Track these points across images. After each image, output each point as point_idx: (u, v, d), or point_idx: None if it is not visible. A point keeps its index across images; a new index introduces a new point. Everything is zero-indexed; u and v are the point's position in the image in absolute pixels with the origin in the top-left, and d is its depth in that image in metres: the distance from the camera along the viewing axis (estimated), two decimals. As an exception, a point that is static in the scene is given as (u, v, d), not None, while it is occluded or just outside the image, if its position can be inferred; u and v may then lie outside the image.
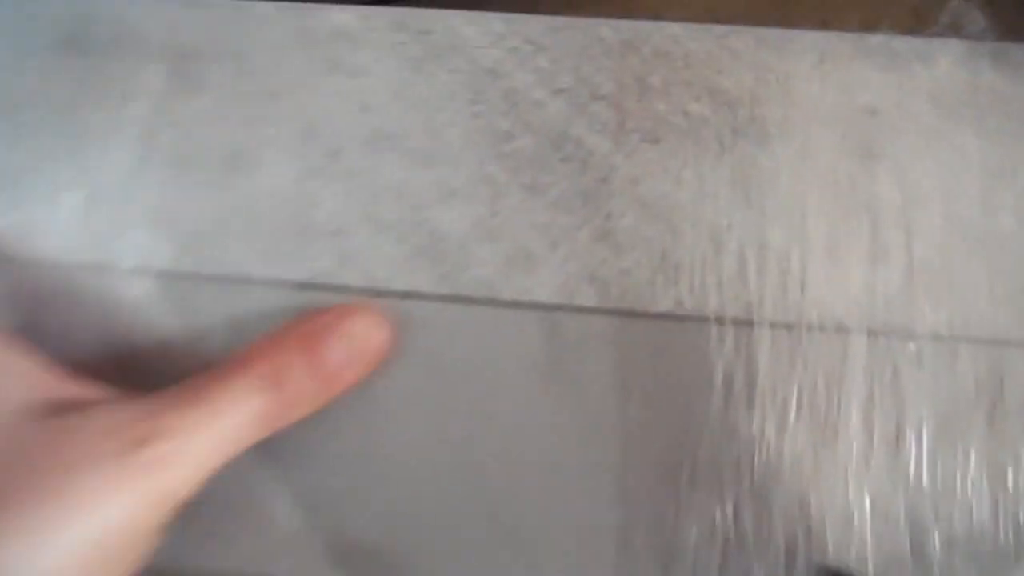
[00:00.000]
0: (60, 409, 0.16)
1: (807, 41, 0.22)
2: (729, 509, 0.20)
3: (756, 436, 0.20)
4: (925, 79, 0.22)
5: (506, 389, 0.21)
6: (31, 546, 0.14)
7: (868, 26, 0.27)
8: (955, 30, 0.23)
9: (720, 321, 0.21)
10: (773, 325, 0.21)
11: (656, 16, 0.33)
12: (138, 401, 0.17)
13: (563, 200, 0.22)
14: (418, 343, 0.21)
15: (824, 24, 0.30)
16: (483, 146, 0.22)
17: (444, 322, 0.22)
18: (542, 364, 0.21)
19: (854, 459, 0.20)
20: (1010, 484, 0.19)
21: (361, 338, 0.20)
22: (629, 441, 0.21)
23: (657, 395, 0.21)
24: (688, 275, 0.21)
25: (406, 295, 0.22)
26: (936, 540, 0.19)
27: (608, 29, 0.22)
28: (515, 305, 0.21)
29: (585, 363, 0.21)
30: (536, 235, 0.22)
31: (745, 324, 0.21)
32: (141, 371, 0.21)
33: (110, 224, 0.22)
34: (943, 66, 0.22)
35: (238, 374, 0.18)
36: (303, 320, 0.20)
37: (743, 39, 0.22)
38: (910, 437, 0.20)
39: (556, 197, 0.22)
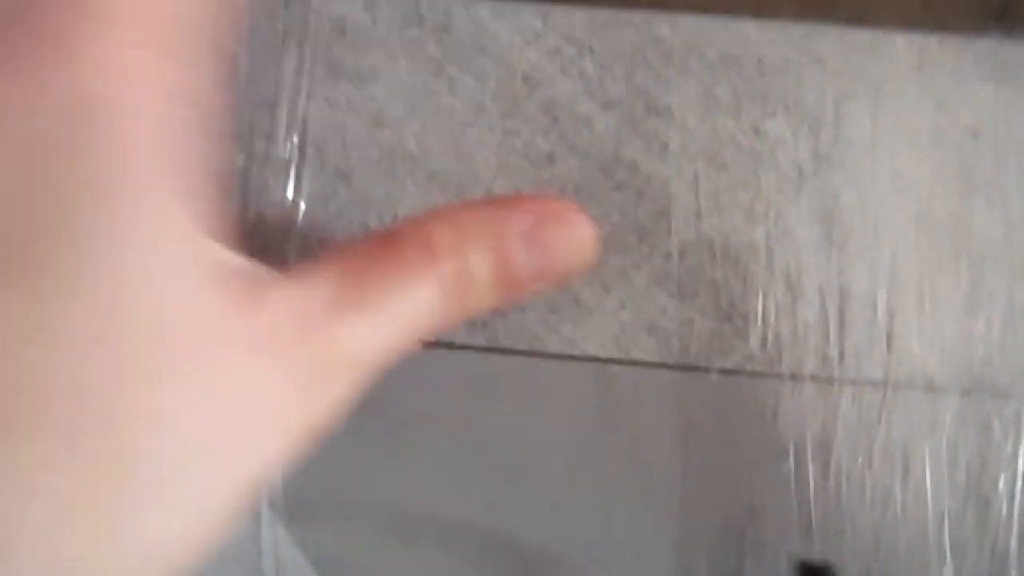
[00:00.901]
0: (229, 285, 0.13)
1: (902, 44, 0.19)
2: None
3: (831, 503, 0.18)
4: (1037, 93, 0.19)
5: (549, 449, 0.19)
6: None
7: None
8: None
9: (795, 378, 0.19)
10: (855, 383, 0.19)
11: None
12: (314, 287, 0.14)
13: (616, 236, 0.19)
14: (451, 397, 0.19)
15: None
16: (520, 170, 0.19)
17: (480, 375, 0.19)
18: (592, 421, 0.19)
19: (938, 526, 0.18)
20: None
21: (561, 251, 0.16)
22: (688, 508, 0.19)
23: (721, 458, 0.19)
24: (760, 326, 0.19)
25: (435, 345, 0.19)
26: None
27: (667, 27, 0.19)
28: (562, 357, 0.19)
29: (641, 422, 0.19)
30: (585, 278, 0.19)
31: (824, 382, 0.19)
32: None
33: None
34: (1058, 77, 0.19)
35: (421, 269, 0.14)
36: (496, 210, 0.15)
37: (828, 41, 0.19)
38: (1000, 501, 0.18)
39: (608, 233, 0.19)
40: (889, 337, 0.19)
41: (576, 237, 0.15)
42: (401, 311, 0.14)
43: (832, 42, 0.19)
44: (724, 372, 0.19)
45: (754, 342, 0.19)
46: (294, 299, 0.13)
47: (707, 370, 0.19)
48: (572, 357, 0.19)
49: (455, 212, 0.15)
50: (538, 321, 0.19)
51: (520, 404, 0.19)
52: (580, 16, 0.19)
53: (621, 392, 0.19)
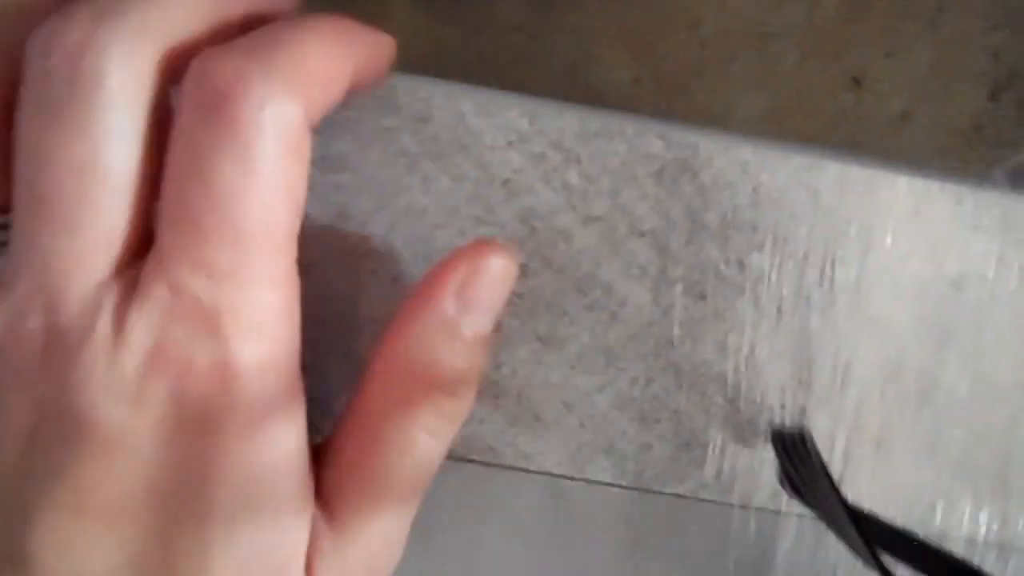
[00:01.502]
0: None
1: (903, 187, 0.18)
2: None
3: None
4: (1030, 251, 0.18)
5: (498, 558, 0.19)
6: None
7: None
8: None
9: (744, 507, 0.19)
10: (801, 516, 0.19)
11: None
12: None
13: (584, 357, 0.18)
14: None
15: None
16: (491, 281, 0.18)
17: (435, 482, 0.19)
18: (542, 533, 0.19)
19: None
20: None
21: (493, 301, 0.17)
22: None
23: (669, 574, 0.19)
24: (717, 456, 0.19)
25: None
26: None
27: (661, 143, 0.18)
28: (518, 472, 0.19)
29: (591, 535, 0.19)
30: (548, 395, 0.19)
31: (771, 513, 0.19)
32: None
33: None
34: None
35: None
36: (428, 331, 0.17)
37: (828, 177, 0.18)
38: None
39: (576, 352, 0.18)
40: (841, 478, 0.19)
41: (501, 284, 0.17)
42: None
43: (832, 177, 0.18)
44: (677, 496, 0.19)
45: (709, 471, 0.19)
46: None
47: (659, 493, 0.19)
48: (527, 471, 0.19)
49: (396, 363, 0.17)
50: (495, 433, 0.19)
51: (471, 512, 0.19)
52: (571, 121, 0.18)
53: (573, 503, 0.20)
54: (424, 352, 0.16)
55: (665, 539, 0.20)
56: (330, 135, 0.18)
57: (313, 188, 0.18)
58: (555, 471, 0.19)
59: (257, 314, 0.15)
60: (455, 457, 0.19)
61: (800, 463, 0.18)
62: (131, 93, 0.15)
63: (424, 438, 0.16)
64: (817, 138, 0.29)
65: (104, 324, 0.15)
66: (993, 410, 0.19)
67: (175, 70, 0.16)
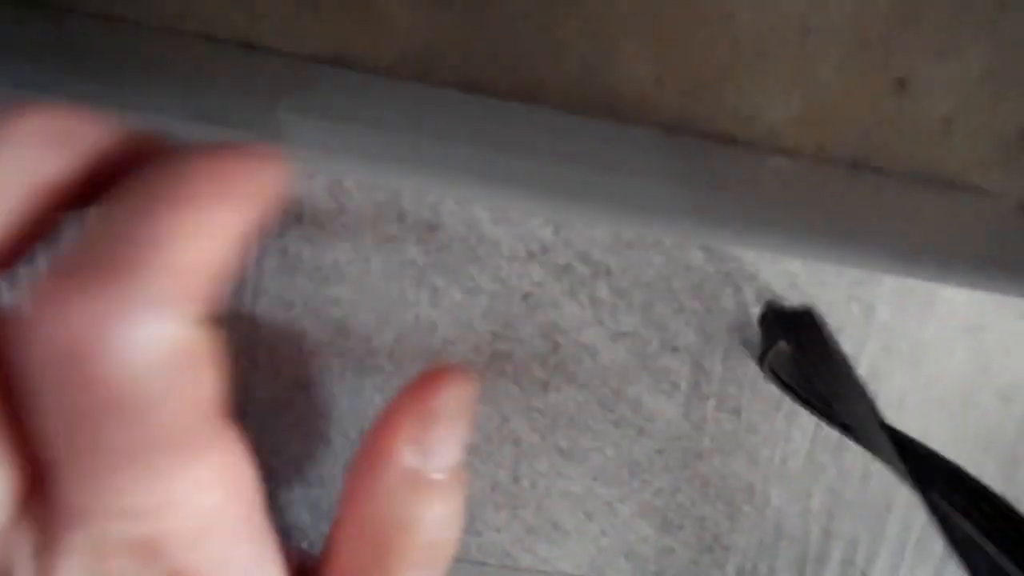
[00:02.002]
0: None
1: (963, 302, 0.16)
2: None
3: None
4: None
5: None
6: None
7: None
8: None
9: (762, 600, 0.19)
10: (819, 608, 0.19)
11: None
12: None
13: (607, 470, 0.17)
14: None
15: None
16: (507, 397, 0.17)
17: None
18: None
19: None
20: None
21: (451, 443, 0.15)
22: None
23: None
24: (739, 558, 0.18)
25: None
26: None
27: (702, 255, 0.16)
28: (535, 571, 0.18)
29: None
30: (567, 506, 0.18)
31: (789, 605, 0.19)
32: None
33: None
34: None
35: None
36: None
37: (883, 291, 0.16)
38: None
39: (598, 466, 0.17)
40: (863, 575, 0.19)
41: (461, 415, 0.15)
42: None
43: (887, 292, 0.16)
44: (695, 592, 0.19)
45: (730, 571, 0.19)
46: None
47: (678, 590, 0.19)
48: (545, 572, 0.19)
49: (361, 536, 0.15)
50: (512, 540, 0.18)
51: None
52: (601, 232, 0.16)
53: (589, 598, 0.19)
54: (393, 508, 0.14)
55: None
56: (324, 244, 0.16)
57: (307, 302, 0.16)
58: (574, 573, 0.19)
59: (197, 523, 0.13)
60: (470, 561, 0.19)
61: (806, 345, 0.16)
62: None
63: None
64: (849, 145, 0.26)
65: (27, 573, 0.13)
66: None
67: None
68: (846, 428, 0.16)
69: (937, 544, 0.19)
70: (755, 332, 0.17)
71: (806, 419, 0.18)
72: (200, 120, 0.16)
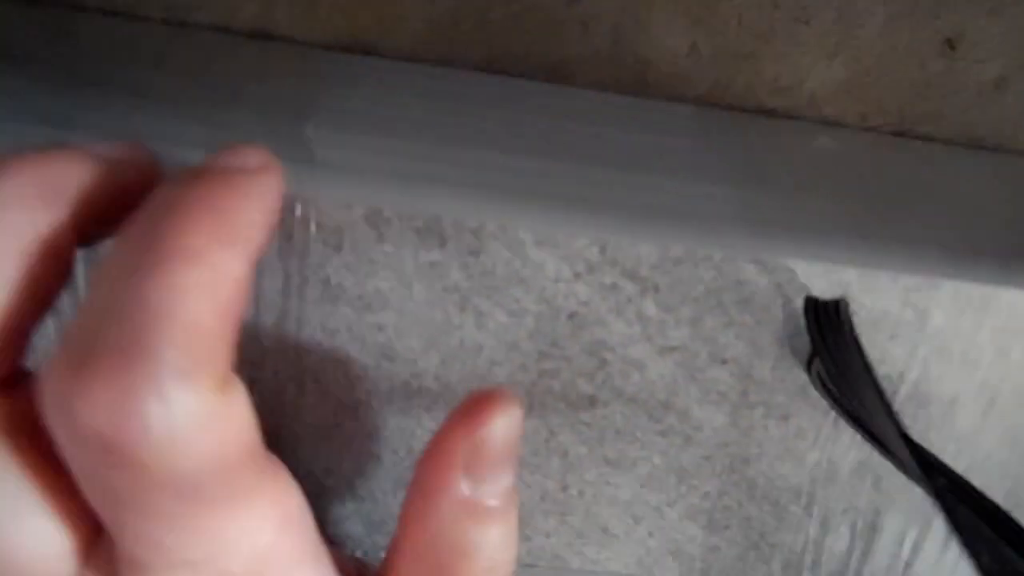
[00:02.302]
0: None
1: (1020, 304, 0.16)
2: None
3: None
4: None
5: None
6: None
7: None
8: None
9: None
10: (863, 597, 0.19)
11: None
12: None
13: (654, 477, 0.18)
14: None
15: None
16: (555, 412, 0.17)
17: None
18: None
19: None
20: None
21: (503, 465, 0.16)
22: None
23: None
24: (785, 554, 0.19)
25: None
26: None
27: (753, 268, 0.15)
28: (585, 572, 0.19)
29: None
30: (615, 511, 0.18)
31: (834, 594, 0.19)
32: None
33: None
34: None
35: None
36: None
37: (939, 296, 0.16)
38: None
39: (646, 473, 0.18)
40: (907, 567, 0.19)
41: (510, 440, 0.15)
42: None
43: (943, 297, 0.16)
44: (741, 584, 0.19)
45: (775, 566, 0.19)
46: None
47: (725, 583, 0.19)
48: (594, 573, 0.19)
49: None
50: (562, 544, 0.19)
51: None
52: (647, 250, 0.15)
53: (637, 591, 0.20)
54: (450, 535, 0.15)
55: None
56: (366, 272, 0.15)
57: (351, 328, 0.16)
58: (623, 572, 0.19)
59: (254, 560, 0.13)
60: (520, 564, 0.19)
61: (832, 336, 0.16)
62: None
63: None
64: (897, 111, 0.25)
65: None
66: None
67: (10, 355, 0.13)
68: (878, 444, 0.16)
69: (984, 533, 0.19)
70: (805, 340, 0.16)
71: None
72: (225, 142, 0.16)
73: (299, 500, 0.14)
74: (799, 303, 0.16)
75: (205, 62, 0.21)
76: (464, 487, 0.14)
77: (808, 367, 0.17)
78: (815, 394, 0.17)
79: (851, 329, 0.15)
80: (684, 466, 0.18)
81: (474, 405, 0.14)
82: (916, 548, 0.19)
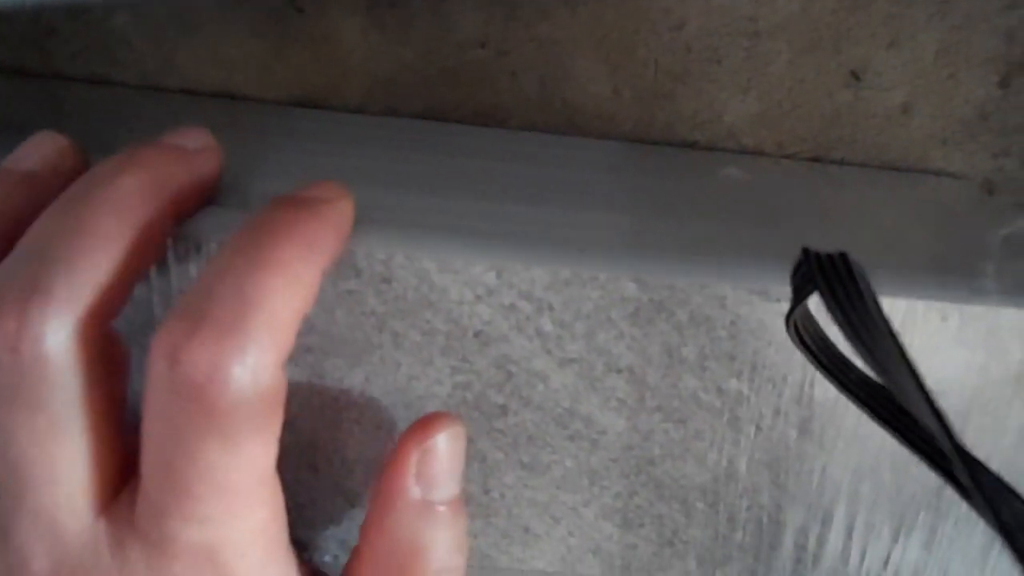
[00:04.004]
0: None
1: (886, 306, 0.17)
2: None
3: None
4: (1015, 359, 0.18)
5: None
6: None
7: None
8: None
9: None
10: (775, 587, 0.21)
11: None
12: None
13: (568, 479, 0.19)
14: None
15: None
16: (471, 420, 0.19)
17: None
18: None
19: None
20: None
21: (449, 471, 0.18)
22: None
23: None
24: (698, 550, 0.20)
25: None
26: None
27: (635, 286, 0.17)
28: (512, 571, 0.20)
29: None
30: (535, 512, 0.20)
31: (749, 587, 0.21)
32: None
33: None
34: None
35: None
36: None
37: (809, 303, 0.17)
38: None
39: (560, 476, 0.19)
40: (815, 559, 0.20)
41: (454, 452, 0.17)
42: None
43: (814, 305, 0.18)
44: (661, 580, 0.21)
45: (691, 562, 0.20)
46: None
47: (646, 579, 0.21)
48: (521, 571, 0.21)
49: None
50: (490, 545, 0.20)
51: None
52: (539, 273, 0.17)
53: (566, 589, 0.21)
54: (405, 537, 0.17)
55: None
56: (292, 300, 0.18)
57: (283, 351, 0.18)
58: (547, 570, 0.21)
59: (249, 535, 0.16)
60: (453, 565, 0.21)
61: (843, 289, 0.15)
62: (77, 358, 0.15)
63: None
64: (812, 139, 0.27)
65: (106, 559, 0.15)
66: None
67: (118, 304, 0.15)
68: (859, 398, 0.16)
69: (885, 525, 0.20)
70: (691, 350, 0.18)
71: (750, 425, 0.19)
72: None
73: (282, 499, 0.16)
74: (681, 315, 0.18)
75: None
76: (416, 491, 0.17)
77: (787, 318, 0.17)
78: (708, 398, 0.19)
79: (866, 283, 0.15)
80: (594, 468, 0.19)
81: (424, 422, 0.17)
82: (821, 541, 0.20)
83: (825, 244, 0.20)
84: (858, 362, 0.17)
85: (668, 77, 0.26)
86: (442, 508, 0.17)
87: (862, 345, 0.15)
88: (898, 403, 0.16)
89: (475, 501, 0.20)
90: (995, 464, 0.19)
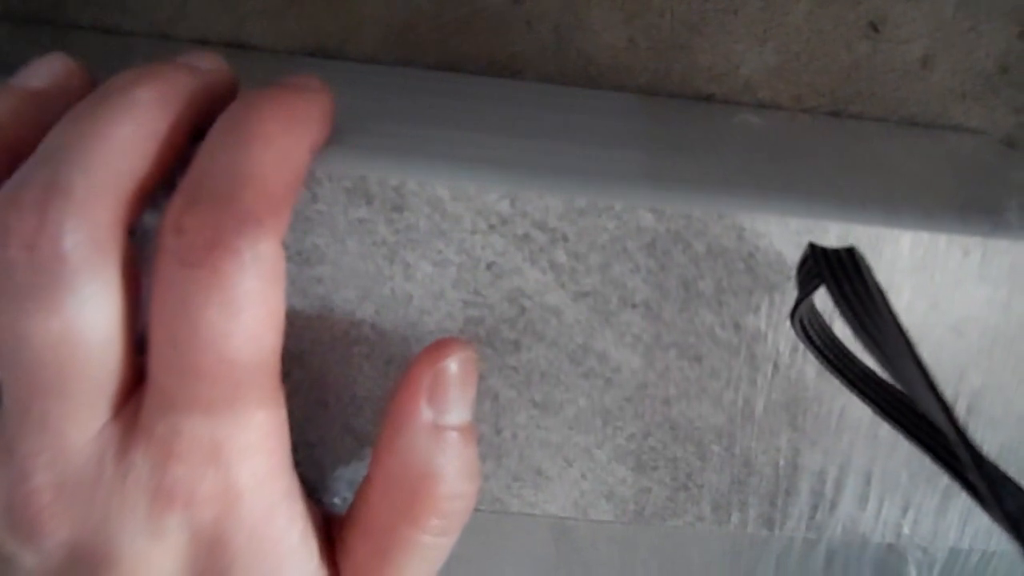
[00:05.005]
0: None
1: (907, 244, 0.17)
2: None
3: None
4: (1037, 296, 0.18)
5: None
6: None
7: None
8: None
9: (739, 531, 0.20)
10: (792, 539, 0.20)
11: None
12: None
13: (581, 419, 0.19)
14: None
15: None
16: (483, 357, 0.18)
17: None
18: (550, 565, 0.21)
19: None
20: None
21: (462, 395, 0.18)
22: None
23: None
24: (712, 494, 0.20)
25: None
26: None
27: (651, 216, 0.17)
28: (523, 515, 0.20)
29: (592, 564, 0.21)
30: (548, 454, 0.19)
31: (766, 536, 0.20)
32: None
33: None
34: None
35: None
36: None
37: (828, 237, 0.17)
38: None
39: (573, 416, 0.19)
40: (832, 505, 0.20)
41: (466, 377, 0.17)
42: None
43: (833, 239, 0.17)
44: (674, 527, 0.20)
45: (705, 507, 0.20)
46: None
47: (658, 525, 0.20)
48: (532, 515, 0.20)
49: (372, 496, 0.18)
50: (501, 487, 0.20)
51: (481, 553, 0.21)
52: (553, 201, 0.17)
53: (577, 538, 0.21)
54: (416, 459, 0.17)
55: (665, 561, 0.21)
56: (304, 229, 0.17)
57: (294, 282, 0.18)
58: (559, 515, 0.20)
59: (252, 435, 0.16)
60: (464, 508, 0.20)
61: (851, 287, 0.15)
62: (93, 260, 0.14)
63: (431, 540, 0.17)
64: (830, 92, 0.26)
65: (109, 469, 0.15)
66: (987, 442, 0.19)
67: (135, 211, 0.15)
68: (863, 392, 0.17)
69: (903, 473, 0.20)
70: (708, 283, 0.18)
71: (767, 363, 0.19)
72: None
73: (287, 432, 0.16)
74: (698, 247, 0.17)
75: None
76: (428, 413, 0.17)
77: (792, 313, 0.17)
78: (725, 335, 0.18)
79: (872, 278, 0.15)
80: (608, 408, 0.19)
81: (436, 346, 0.17)
82: (838, 486, 0.20)
83: (842, 183, 0.19)
84: (864, 357, 0.16)
85: (684, 27, 0.26)
86: (453, 433, 0.17)
87: (870, 339, 0.15)
88: (907, 400, 0.16)
89: (487, 441, 0.19)
90: (1019, 406, 0.19)
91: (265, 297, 0.15)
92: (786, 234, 0.17)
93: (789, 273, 0.18)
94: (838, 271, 0.15)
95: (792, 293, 0.18)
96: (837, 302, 0.15)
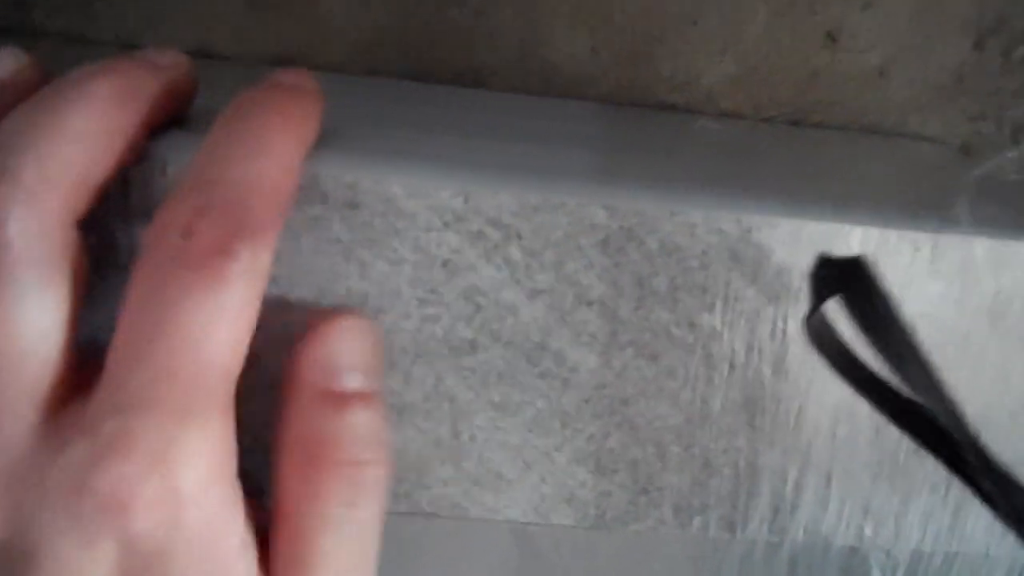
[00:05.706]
0: None
1: (858, 238, 0.17)
2: None
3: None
4: (989, 292, 0.18)
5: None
6: None
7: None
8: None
9: (701, 535, 0.20)
10: (755, 543, 0.20)
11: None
12: None
13: (539, 421, 0.19)
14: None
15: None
16: (439, 357, 0.18)
17: (406, 537, 0.20)
18: (512, 572, 0.20)
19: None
20: None
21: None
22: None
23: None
24: (674, 497, 0.19)
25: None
26: None
27: (604, 213, 0.17)
28: (484, 521, 0.20)
29: (555, 571, 0.20)
30: (507, 457, 0.19)
31: (728, 540, 0.20)
32: None
33: None
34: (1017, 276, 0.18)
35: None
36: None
37: (780, 235, 0.17)
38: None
39: (531, 417, 0.19)
40: (793, 507, 0.20)
41: (356, 341, 0.17)
42: None
43: (784, 235, 0.17)
44: (636, 532, 0.20)
45: (667, 511, 0.20)
46: None
47: (621, 530, 0.20)
48: (494, 520, 0.20)
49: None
50: (460, 492, 0.20)
51: (442, 561, 0.20)
52: (507, 198, 0.17)
53: (538, 544, 0.21)
54: (308, 427, 0.17)
55: (628, 567, 0.21)
56: (257, 228, 0.17)
57: (248, 282, 0.18)
58: (520, 520, 0.20)
59: (204, 443, 0.15)
60: (423, 514, 0.20)
61: (860, 298, 0.15)
62: (38, 251, 0.14)
63: (343, 512, 0.16)
64: (790, 102, 0.27)
65: (43, 466, 0.15)
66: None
67: (86, 205, 0.15)
68: (876, 401, 0.16)
69: (863, 474, 0.20)
70: (662, 281, 0.18)
71: (723, 362, 0.19)
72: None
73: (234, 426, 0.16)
74: (651, 244, 0.17)
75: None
76: (316, 376, 0.17)
77: (806, 321, 0.17)
78: (680, 333, 0.18)
79: (882, 286, 0.15)
80: (566, 409, 0.19)
81: (321, 312, 0.17)
82: (799, 487, 0.20)
83: (795, 183, 0.20)
84: (874, 365, 0.17)
85: (645, 38, 0.26)
86: (349, 398, 0.17)
87: (881, 346, 0.15)
88: (916, 406, 0.16)
89: (445, 445, 0.19)
90: (975, 403, 0.19)
91: (252, 305, 0.15)
92: (739, 231, 0.17)
93: (742, 271, 0.18)
94: (851, 281, 0.16)
95: (747, 291, 0.18)
96: (851, 312, 0.15)
